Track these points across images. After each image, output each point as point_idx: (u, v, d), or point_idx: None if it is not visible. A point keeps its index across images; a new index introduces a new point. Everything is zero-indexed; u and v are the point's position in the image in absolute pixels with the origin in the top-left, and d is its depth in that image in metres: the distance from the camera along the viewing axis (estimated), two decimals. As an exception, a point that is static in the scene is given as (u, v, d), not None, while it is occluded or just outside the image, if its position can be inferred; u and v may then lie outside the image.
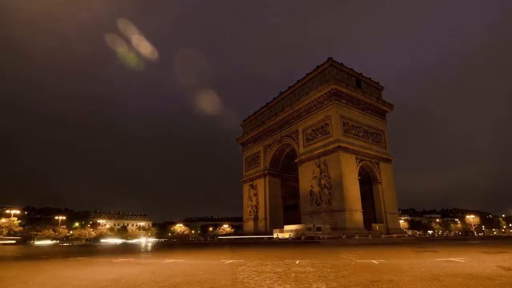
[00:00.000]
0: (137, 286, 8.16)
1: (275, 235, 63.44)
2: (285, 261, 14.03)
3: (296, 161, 71.22)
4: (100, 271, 12.86)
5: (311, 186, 63.58)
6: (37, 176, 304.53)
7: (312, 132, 67.31)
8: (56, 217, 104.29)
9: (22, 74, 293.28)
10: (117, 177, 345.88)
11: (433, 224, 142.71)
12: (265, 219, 80.00)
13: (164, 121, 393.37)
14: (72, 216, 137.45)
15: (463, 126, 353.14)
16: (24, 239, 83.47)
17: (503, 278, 8.32)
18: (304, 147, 68.72)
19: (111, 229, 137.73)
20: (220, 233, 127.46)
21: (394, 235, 58.61)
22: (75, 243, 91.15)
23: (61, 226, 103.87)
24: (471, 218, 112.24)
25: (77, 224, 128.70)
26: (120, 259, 18.26)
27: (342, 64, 67.49)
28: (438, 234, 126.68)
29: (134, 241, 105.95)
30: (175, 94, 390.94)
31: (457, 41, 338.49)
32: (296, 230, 59.75)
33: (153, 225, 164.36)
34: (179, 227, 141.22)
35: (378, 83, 74.72)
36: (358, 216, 58.06)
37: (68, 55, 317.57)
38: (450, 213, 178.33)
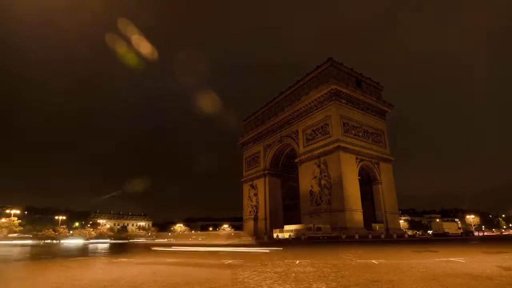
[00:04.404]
0: (137, 286, 8.15)
1: (275, 235, 63.41)
2: (285, 261, 14.03)
3: (296, 161, 71.16)
4: (100, 271, 12.85)
5: (311, 186, 63.56)
6: (37, 176, 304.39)
7: (312, 132, 67.29)
8: (56, 217, 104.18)
9: (21, 73, 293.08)
10: (117, 177, 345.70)
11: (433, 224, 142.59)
12: (265, 219, 79.95)
13: (165, 121, 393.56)
14: (73, 216, 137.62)
15: (464, 126, 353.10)
16: None
17: (503, 278, 8.32)
18: (304, 147, 68.69)
19: (111, 229, 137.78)
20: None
21: (394, 235, 58.60)
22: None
23: (61, 226, 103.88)
24: (471, 218, 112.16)
25: (77, 224, 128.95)
26: (120, 259, 18.26)
27: (342, 64, 67.46)
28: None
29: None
30: (175, 94, 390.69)
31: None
32: (296, 230, 59.65)
33: (153, 225, 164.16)
34: (179, 227, 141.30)
35: (378, 83, 74.69)
36: (358, 216, 58.04)
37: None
38: (450, 213, 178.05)
